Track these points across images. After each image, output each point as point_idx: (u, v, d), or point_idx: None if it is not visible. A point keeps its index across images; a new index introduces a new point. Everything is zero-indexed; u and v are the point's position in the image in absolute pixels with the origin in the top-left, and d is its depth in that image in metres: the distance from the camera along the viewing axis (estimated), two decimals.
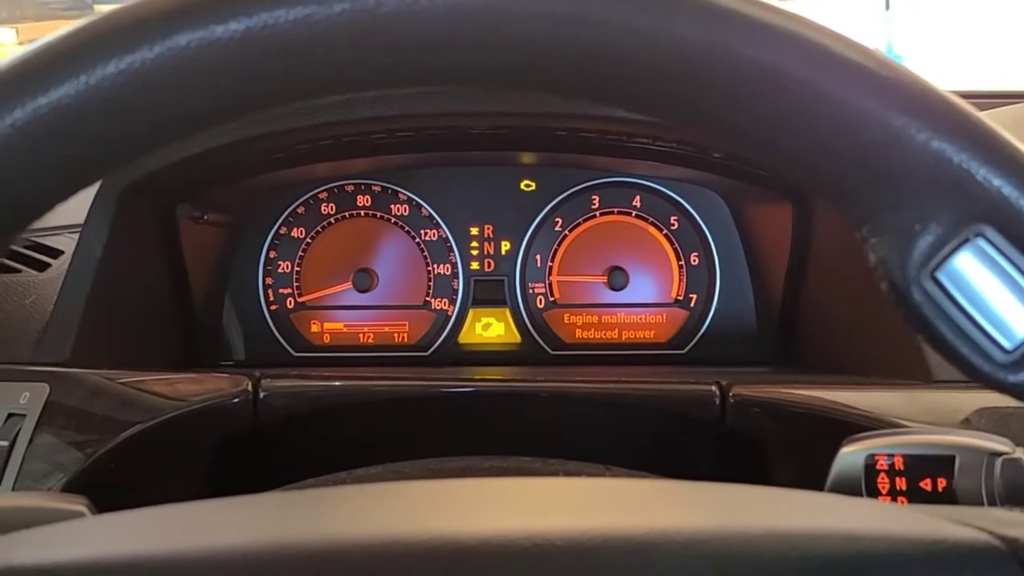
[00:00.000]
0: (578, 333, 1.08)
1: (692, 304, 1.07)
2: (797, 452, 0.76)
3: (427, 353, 1.07)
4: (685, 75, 0.32)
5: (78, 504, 0.49)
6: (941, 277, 0.33)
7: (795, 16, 0.33)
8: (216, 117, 0.34)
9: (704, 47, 0.32)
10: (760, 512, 0.34)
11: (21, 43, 3.57)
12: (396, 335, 1.07)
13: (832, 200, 0.35)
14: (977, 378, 0.34)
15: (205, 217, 1.00)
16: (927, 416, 0.71)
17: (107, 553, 0.33)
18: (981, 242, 0.33)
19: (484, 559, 0.30)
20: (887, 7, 4.00)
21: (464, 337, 1.07)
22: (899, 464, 0.51)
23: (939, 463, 0.50)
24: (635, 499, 0.35)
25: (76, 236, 0.90)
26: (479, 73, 0.34)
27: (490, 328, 1.07)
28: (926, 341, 0.35)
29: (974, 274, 0.33)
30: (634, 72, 0.33)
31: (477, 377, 0.90)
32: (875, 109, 0.32)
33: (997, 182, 0.32)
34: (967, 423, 0.69)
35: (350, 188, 1.06)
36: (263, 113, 0.34)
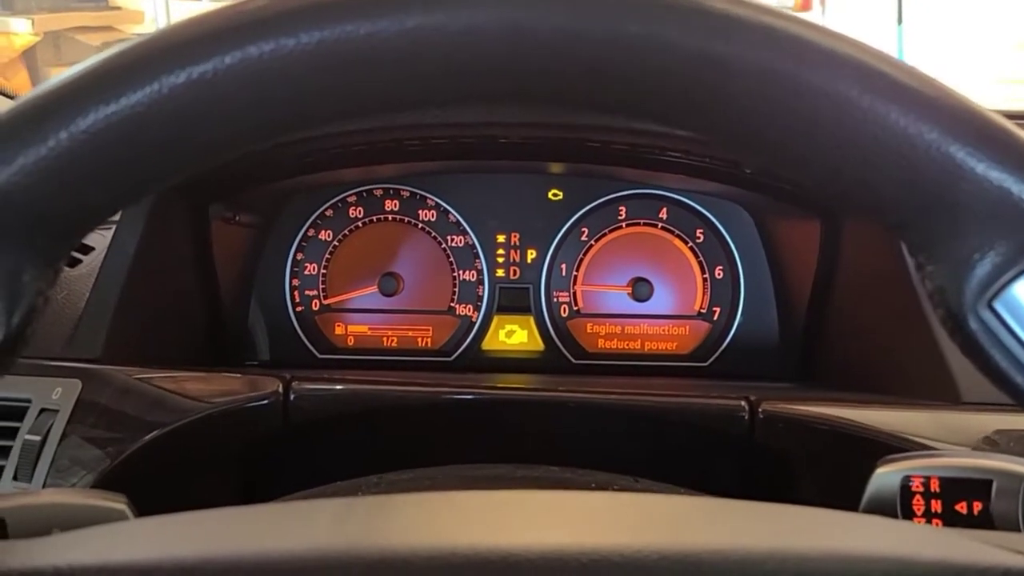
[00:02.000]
0: (601, 343, 1.08)
1: (715, 317, 1.07)
2: (824, 469, 0.76)
3: (450, 358, 1.07)
4: (751, 103, 0.33)
5: (119, 503, 0.49)
6: (998, 306, 0.33)
7: (859, 43, 0.34)
8: (286, 128, 0.34)
9: (769, 75, 0.32)
10: (813, 533, 0.34)
11: (36, 34, 3.59)
12: (420, 340, 1.08)
13: (890, 227, 0.36)
14: None
15: (236, 218, 1.00)
16: (956, 438, 0.71)
17: (164, 556, 0.33)
18: None
19: (544, 573, 0.30)
20: (899, 21, 4.00)
21: (487, 343, 1.08)
22: (935, 487, 0.51)
23: (976, 487, 0.50)
24: (689, 517, 0.35)
25: (107, 233, 0.91)
26: (543, 93, 0.35)
27: (514, 335, 1.08)
28: (980, 370, 0.35)
29: None
30: (698, 98, 0.33)
31: (501, 385, 0.91)
32: (937, 139, 0.33)
33: None
34: (996, 446, 0.69)
35: (379, 192, 1.06)
36: (333, 126, 0.35)
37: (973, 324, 0.34)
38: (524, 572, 0.30)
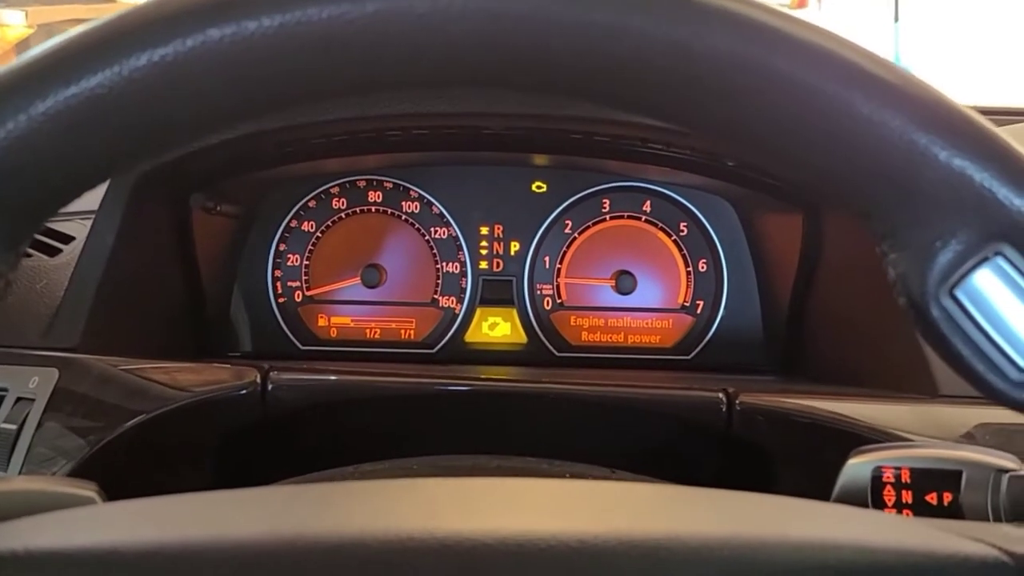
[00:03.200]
0: (584, 336, 1.08)
1: (699, 310, 1.07)
2: (802, 461, 0.76)
3: (433, 350, 1.07)
4: (719, 88, 0.33)
5: (88, 490, 0.49)
6: (959, 294, 0.34)
7: (827, 32, 0.34)
8: (248, 112, 0.34)
9: (738, 61, 0.32)
10: (773, 520, 0.34)
11: (30, 26, 3.57)
12: (403, 331, 1.07)
13: (855, 214, 0.36)
14: (991, 396, 0.34)
15: (217, 208, 1.00)
16: (933, 430, 0.72)
17: (122, 540, 0.33)
18: (1000, 260, 0.33)
19: (501, 558, 0.30)
20: (896, 19, 4.01)
21: (471, 336, 1.08)
22: (906, 477, 0.51)
23: (946, 477, 0.51)
24: (650, 503, 0.35)
25: (87, 222, 0.91)
26: (506, 77, 0.34)
27: (497, 328, 1.08)
28: (942, 357, 0.35)
29: (992, 292, 0.33)
30: (668, 84, 0.33)
31: (483, 376, 0.91)
32: (901, 127, 0.33)
33: (1018, 202, 0.32)
34: (972, 438, 0.69)
35: (362, 184, 1.06)
36: (292, 109, 0.35)
37: (935, 311, 0.34)
38: (482, 557, 0.30)
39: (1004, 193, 0.33)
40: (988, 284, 0.33)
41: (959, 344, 0.34)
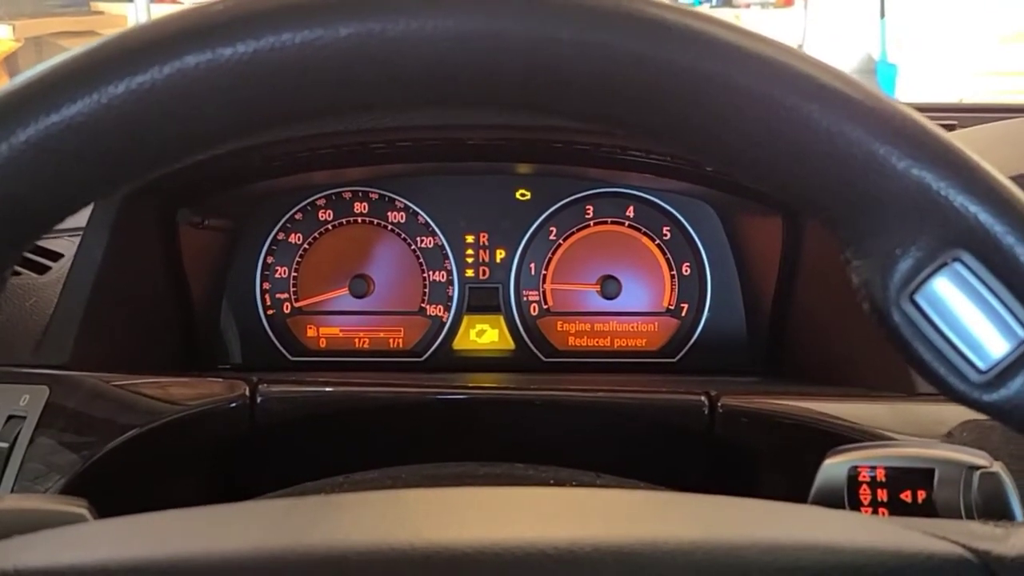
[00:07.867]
0: (571, 340, 1.09)
1: (683, 313, 1.08)
2: (784, 462, 0.77)
3: (422, 359, 1.08)
4: (680, 102, 0.34)
5: (79, 507, 0.50)
6: (919, 299, 0.35)
7: (785, 47, 0.35)
8: (226, 137, 0.35)
9: (699, 76, 0.33)
10: (743, 524, 0.35)
11: (17, 40, 3.57)
12: (391, 341, 1.08)
13: (819, 222, 0.37)
14: (953, 397, 0.35)
15: (205, 222, 1.01)
16: (911, 428, 0.73)
17: (112, 558, 0.34)
18: (958, 266, 0.34)
19: (478, 567, 0.31)
20: (882, 15, 4.03)
21: (458, 343, 1.09)
22: (881, 476, 0.52)
23: (919, 476, 0.52)
24: (625, 510, 0.36)
25: (76, 239, 0.91)
26: (482, 97, 0.35)
27: (484, 335, 1.09)
28: (905, 361, 0.36)
29: (951, 297, 0.34)
30: (629, 97, 0.34)
31: (471, 384, 0.92)
32: (860, 137, 0.34)
33: (974, 209, 0.33)
34: (949, 436, 0.70)
35: (348, 195, 1.07)
36: (271, 133, 0.36)
37: (896, 317, 0.35)
38: (458, 566, 0.31)
39: (961, 201, 0.34)
40: (947, 290, 0.34)
41: (921, 348, 0.35)
